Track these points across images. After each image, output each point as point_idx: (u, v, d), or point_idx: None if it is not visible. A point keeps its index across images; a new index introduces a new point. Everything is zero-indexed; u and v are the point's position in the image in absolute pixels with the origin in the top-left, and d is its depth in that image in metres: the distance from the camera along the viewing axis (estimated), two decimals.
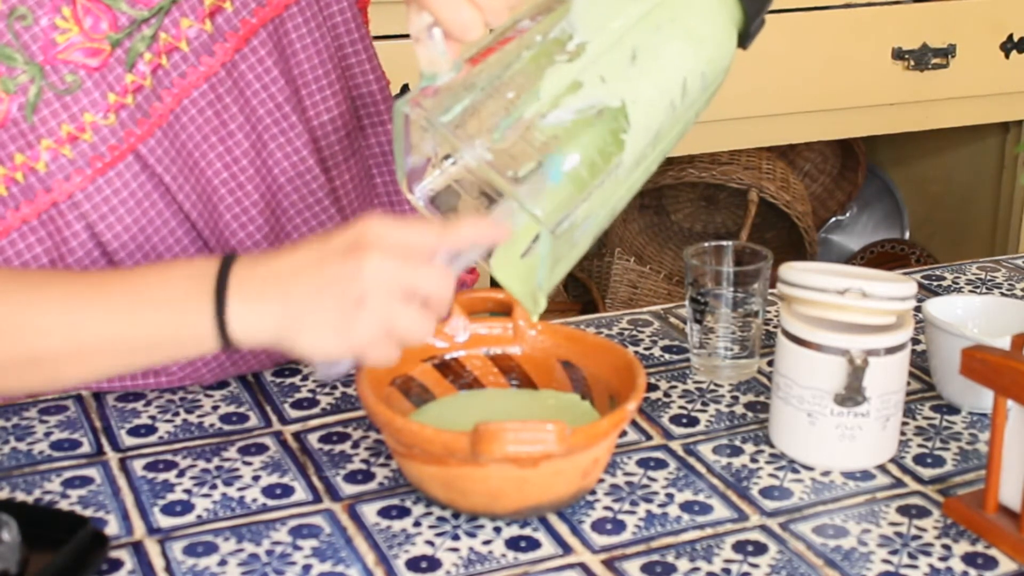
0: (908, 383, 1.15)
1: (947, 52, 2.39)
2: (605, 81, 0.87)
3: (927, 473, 1.02)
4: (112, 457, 1.02)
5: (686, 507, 0.97)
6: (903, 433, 1.07)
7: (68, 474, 1.00)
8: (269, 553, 0.90)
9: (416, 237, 0.88)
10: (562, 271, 0.91)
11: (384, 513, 0.95)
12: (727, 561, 0.90)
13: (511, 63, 0.88)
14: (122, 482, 0.99)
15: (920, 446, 1.06)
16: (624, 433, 1.07)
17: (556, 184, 0.86)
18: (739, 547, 0.92)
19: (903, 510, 0.97)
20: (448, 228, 0.89)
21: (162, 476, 1.00)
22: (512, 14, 0.90)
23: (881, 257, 2.83)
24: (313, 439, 1.05)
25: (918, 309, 1.26)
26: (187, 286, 0.90)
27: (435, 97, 0.87)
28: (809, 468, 1.02)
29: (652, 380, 1.16)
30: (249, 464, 1.01)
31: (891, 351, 0.99)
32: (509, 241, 0.92)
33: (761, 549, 0.92)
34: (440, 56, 0.88)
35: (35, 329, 0.92)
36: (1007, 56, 2.46)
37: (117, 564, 0.89)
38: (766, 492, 0.99)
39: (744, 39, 0.96)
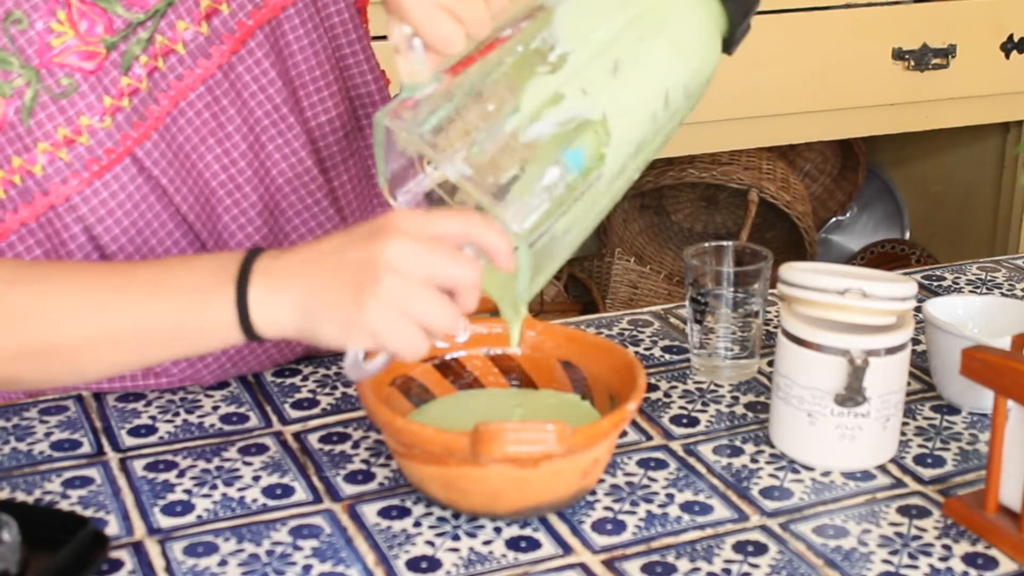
0: (908, 383, 1.15)
1: (947, 52, 2.39)
2: (586, 94, 0.87)
3: (927, 473, 1.02)
4: (112, 457, 1.02)
5: (686, 507, 0.97)
6: (903, 433, 1.07)
7: (68, 474, 1.00)
8: (269, 553, 0.90)
9: (443, 226, 0.87)
10: (542, 281, 0.91)
11: (384, 513, 0.95)
12: (727, 561, 0.90)
13: (491, 73, 0.87)
14: (122, 482, 0.99)
15: (920, 446, 1.06)
16: (624, 433, 1.07)
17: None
18: (739, 547, 0.92)
19: (903, 510, 0.97)
20: (476, 220, 0.87)
21: (162, 476, 1.00)
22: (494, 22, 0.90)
23: (881, 257, 2.83)
24: (313, 439, 1.05)
25: (918, 309, 1.26)
26: (210, 275, 0.90)
27: (415, 109, 0.87)
28: (809, 468, 1.02)
29: (652, 380, 1.15)
30: (249, 464, 1.01)
31: (891, 351, 0.99)
32: None
33: (761, 549, 0.92)
34: (420, 67, 0.88)
35: (55, 316, 0.91)
36: (1007, 56, 2.45)
37: (117, 564, 0.89)
38: (766, 492, 0.99)
39: (729, 45, 0.96)
